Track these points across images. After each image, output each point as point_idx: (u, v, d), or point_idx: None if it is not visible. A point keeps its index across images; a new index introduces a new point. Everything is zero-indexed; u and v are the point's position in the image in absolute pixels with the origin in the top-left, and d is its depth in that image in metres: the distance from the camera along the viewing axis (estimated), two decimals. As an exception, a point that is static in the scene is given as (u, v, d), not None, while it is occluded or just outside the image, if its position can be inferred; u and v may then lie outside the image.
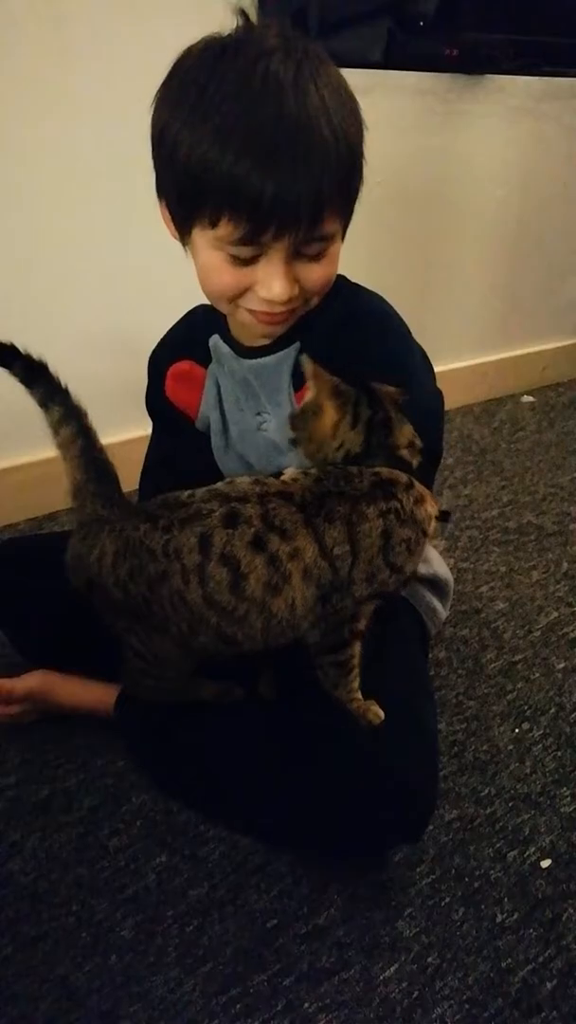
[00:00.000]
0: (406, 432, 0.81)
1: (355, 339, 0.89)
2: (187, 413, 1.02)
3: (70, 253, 1.38)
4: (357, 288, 0.94)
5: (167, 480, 0.98)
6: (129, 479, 1.09)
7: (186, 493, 0.82)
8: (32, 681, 1.04)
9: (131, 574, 0.81)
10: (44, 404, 0.89)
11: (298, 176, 0.73)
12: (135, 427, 1.18)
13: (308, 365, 0.80)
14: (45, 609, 1.03)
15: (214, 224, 0.77)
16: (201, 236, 0.80)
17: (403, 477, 0.79)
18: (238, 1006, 0.79)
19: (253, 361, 0.93)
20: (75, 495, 0.89)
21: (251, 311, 0.84)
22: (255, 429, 0.97)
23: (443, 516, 0.86)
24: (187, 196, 0.78)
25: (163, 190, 0.83)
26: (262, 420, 0.96)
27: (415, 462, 0.82)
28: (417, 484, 0.80)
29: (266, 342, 0.92)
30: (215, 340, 0.97)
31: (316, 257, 0.81)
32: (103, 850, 0.93)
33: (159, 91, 0.78)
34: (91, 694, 1.04)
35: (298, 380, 0.91)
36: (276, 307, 0.82)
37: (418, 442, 0.82)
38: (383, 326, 0.91)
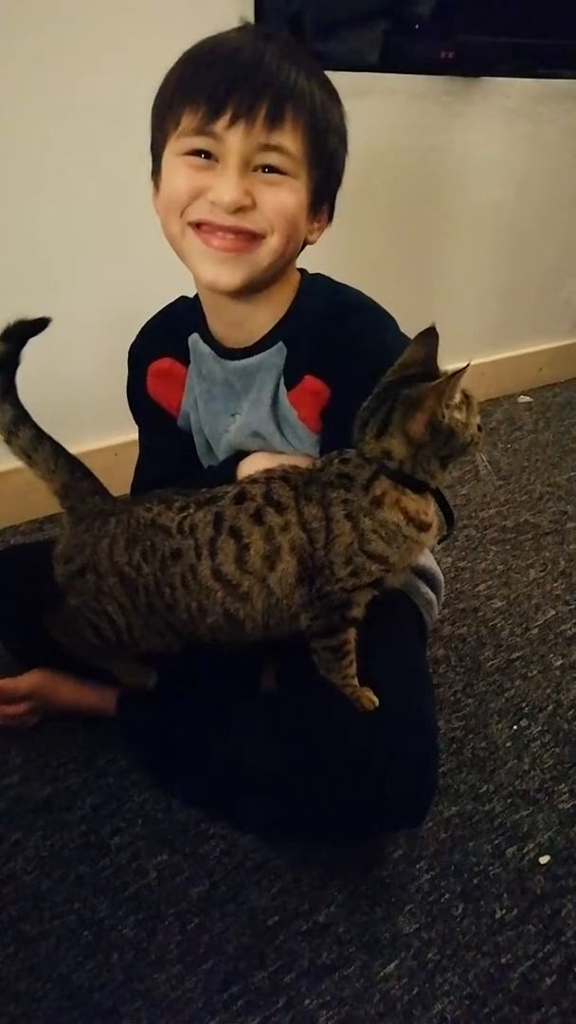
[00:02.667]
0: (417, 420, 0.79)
1: (342, 334, 0.89)
2: (169, 411, 1.03)
3: (66, 253, 1.39)
4: (339, 286, 0.95)
5: (156, 476, 0.99)
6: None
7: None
8: (33, 680, 1.04)
9: (144, 555, 0.84)
10: (11, 429, 0.87)
11: (259, 71, 0.77)
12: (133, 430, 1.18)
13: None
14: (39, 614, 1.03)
15: (178, 123, 0.80)
16: (168, 153, 0.83)
17: (362, 474, 0.80)
18: (239, 1003, 0.80)
19: (236, 363, 0.94)
20: (66, 495, 0.89)
21: (199, 224, 0.83)
22: (222, 432, 0.98)
23: (446, 531, 0.87)
24: (163, 112, 0.82)
25: (151, 144, 0.86)
26: (231, 421, 0.96)
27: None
28: (381, 484, 0.80)
29: (248, 343, 0.91)
30: (195, 339, 0.97)
31: (273, 181, 0.81)
32: (105, 849, 0.94)
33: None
34: (92, 693, 1.04)
35: (291, 379, 0.92)
36: (225, 217, 0.81)
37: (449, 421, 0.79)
38: (369, 318, 0.91)
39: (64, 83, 1.28)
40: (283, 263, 0.87)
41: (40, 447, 0.88)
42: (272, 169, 0.81)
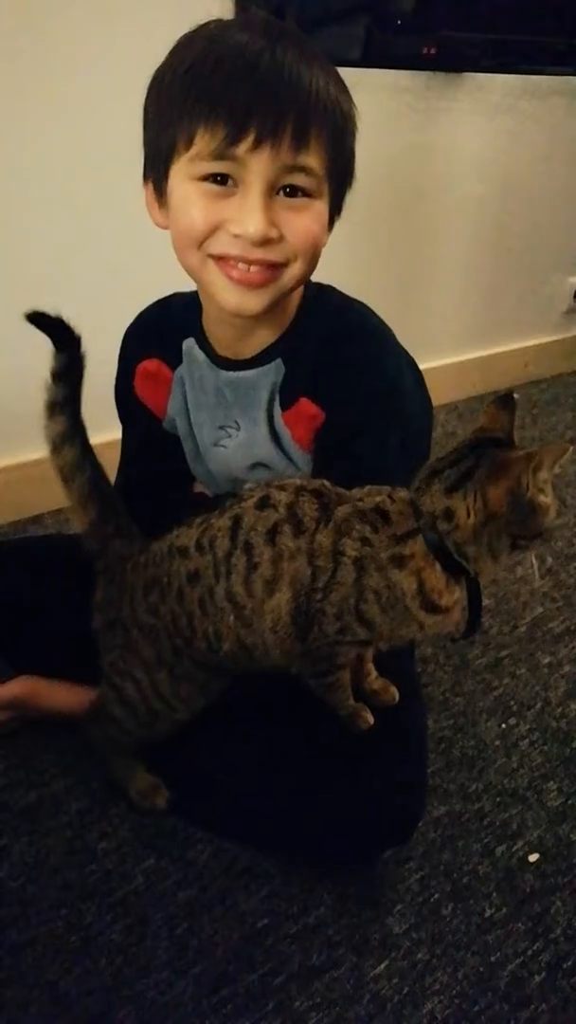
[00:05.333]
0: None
1: (341, 359, 0.86)
2: (155, 413, 1.01)
3: (52, 252, 1.38)
4: (346, 304, 0.91)
5: (141, 478, 0.97)
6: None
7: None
8: (16, 688, 1.03)
9: (161, 595, 0.80)
10: (52, 409, 0.82)
11: (282, 85, 0.70)
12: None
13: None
14: (29, 614, 1.02)
15: (190, 141, 0.73)
16: (177, 173, 0.76)
17: (402, 524, 0.72)
18: (229, 1006, 0.79)
19: (231, 374, 0.91)
20: (91, 534, 0.86)
21: (221, 259, 0.78)
22: (213, 444, 0.95)
23: (464, 633, 0.79)
24: (166, 120, 0.75)
25: (147, 148, 0.80)
26: (224, 435, 0.94)
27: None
28: (413, 546, 0.72)
29: (246, 355, 0.89)
30: (190, 344, 0.94)
31: (298, 206, 0.76)
32: (91, 854, 0.93)
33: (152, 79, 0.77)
34: (76, 698, 1.03)
35: (286, 399, 0.89)
36: (250, 250, 0.75)
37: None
38: (376, 346, 0.88)
39: (48, 77, 1.27)
40: (303, 283, 0.85)
41: (79, 473, 0.84)
42: (296, 189, 0.75)
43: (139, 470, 1.06)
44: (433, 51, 1.65)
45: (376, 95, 1.63)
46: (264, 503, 0.76)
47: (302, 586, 0.74)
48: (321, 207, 0.79)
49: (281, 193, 0.76)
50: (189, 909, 0.88)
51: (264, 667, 0.80)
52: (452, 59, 1.69)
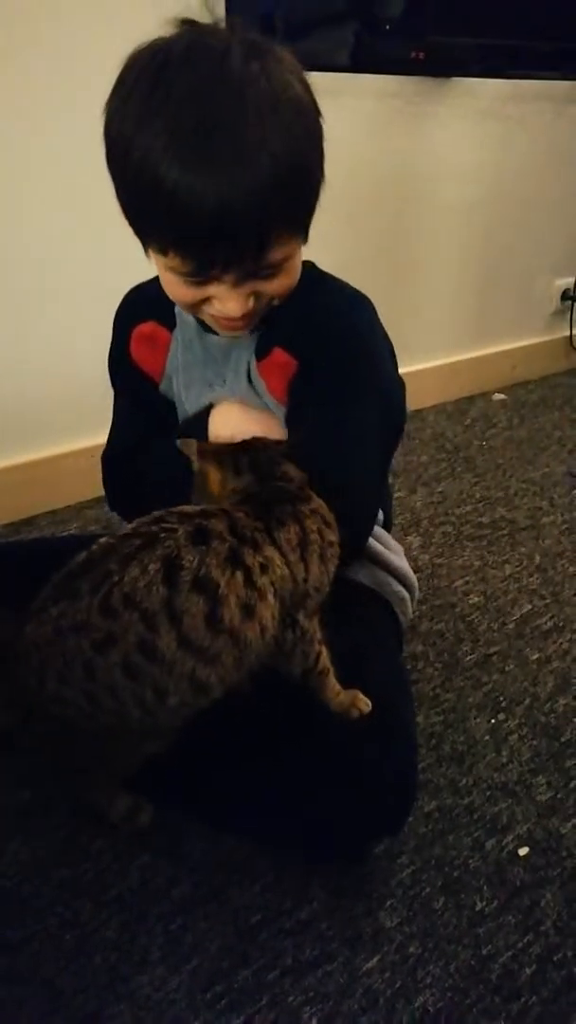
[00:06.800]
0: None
1: (315, 310, 0.90)
2: (151, 377, 1.02)
3: (39, 254, 1.38)
4: (326, 276, 0.96)
5: (131, 445, 0.98)
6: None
7: (82, 555, 0.73)
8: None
9: (60, 676, 0.71)
10: None
11: (238, 217, 0.73)
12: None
13: (190, 446, 0.82)
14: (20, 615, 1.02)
15: (164, 254, 0.79)
16: (155, 256, 0.82)
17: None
18: (223, 1002, 0.80)
19: (215, 338, 0.95)
20: None
21: (213, 317, 0.86)
22: (198, 401, 0.98)
23: None
24: (138, 221, 0.80)
25: (119, 199, 0.81)
26: (211, 391, 0.97)
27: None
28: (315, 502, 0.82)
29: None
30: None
31: (271, 276, 0.81)
32: (85, 852, 0.93)
33: (109, 99, 0.76)
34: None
35: (261, 349, 0.93)
36: (235, 318, 0.84)
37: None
38: (344, 299, 0.93)
39: (22, 79, 1.27)
40: None
41: None
42: (270, 270, 0.81)
43: (130, 438, 1.05)
44: (421, 56, 1.67)
45: (364, 100, 1.65)
46: (202, 536, 0.71)
47: (286, 589, 0.75)
48: (292, 262, 0.84)
49: (256, 275, 0.81)
50: (183, 906, 0.88)
51: (208, 702, 0.76)
52: (440, 64, 1.71)
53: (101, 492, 1.06)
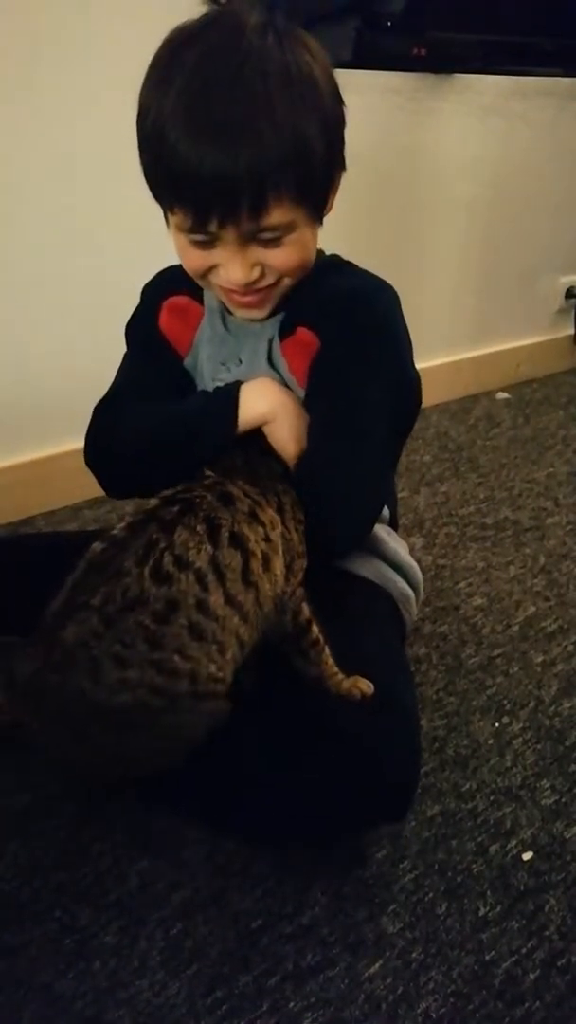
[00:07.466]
0: None
1: (338, 291, 0.92)
2: (177, 349, 1.02)
3: (37, 252, 1.38)
4: (351, 264, 0.98)
5: (134, 408, 0.98)
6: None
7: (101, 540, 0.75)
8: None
9: (120, 660, 0.70)
10: None
11: (238, 160, 0.76)
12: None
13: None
14: (18, 613, 1.01)
15: (171, 211, 0.84)
16: (170, 219, 0.86)
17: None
18: (224, 1007, 0.79)
19: (237, 320, 0.96)
20: None
21: (222, 288, 0.88)
22: (211, 380, 0.99)
23: None
24: (152, 181, 0.84)
25: (141, 164, 0.86)
26: (225, 370, 0.97)
27: None
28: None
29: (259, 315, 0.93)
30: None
31: (274, 243, 0.83)
32: (85, 855, 0.93)
33: (147, 74, 0.82)
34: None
35: (284, 329, 0.94)
36: (242, 287, 0.86)
37: None
38: (368, 283, 0.95)
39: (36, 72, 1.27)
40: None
41: None
42: (271, 234, 0.83)
43: (131, 391, 1.04)
44: (423, 52, 1.66)
45: (366, 96, 1.64)
46: (227, 499, 0.78)
47: (287, 545, 0.81)
48: (298, 235, 0.85)
49: (260, 241, 0.83)
50: (183, 910, 0.87)
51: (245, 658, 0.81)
52: (442, 60, 1.70)
53: (99, 493, 1.05)
